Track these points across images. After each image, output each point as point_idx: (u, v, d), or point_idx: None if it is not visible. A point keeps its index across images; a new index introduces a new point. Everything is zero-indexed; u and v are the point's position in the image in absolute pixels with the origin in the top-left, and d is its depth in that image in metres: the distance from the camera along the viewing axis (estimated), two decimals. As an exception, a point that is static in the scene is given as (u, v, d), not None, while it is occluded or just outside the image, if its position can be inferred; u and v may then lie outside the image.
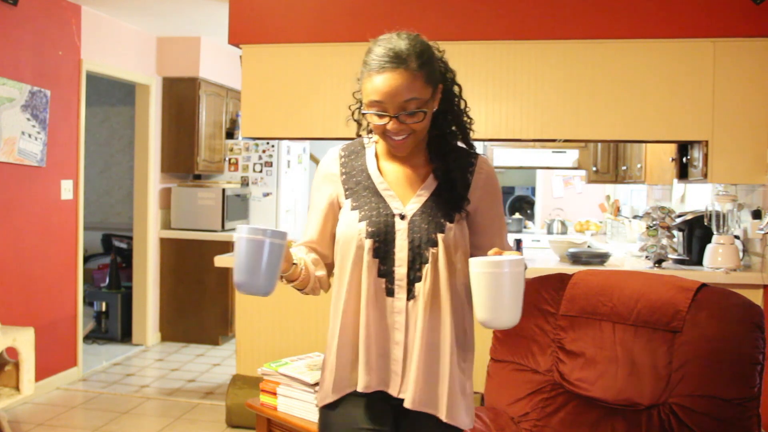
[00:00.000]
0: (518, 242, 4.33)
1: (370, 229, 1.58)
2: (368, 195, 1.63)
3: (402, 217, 1.59)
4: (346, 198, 1.65)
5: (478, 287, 1.41)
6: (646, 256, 3.70)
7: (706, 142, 3.45)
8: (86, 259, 5.81)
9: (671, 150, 4.14)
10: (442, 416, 1.56)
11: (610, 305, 2.34)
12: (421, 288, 1.56)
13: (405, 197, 1.62)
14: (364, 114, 1.65)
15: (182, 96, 5.79)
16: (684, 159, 3.88)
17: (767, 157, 3.36)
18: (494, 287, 1.38)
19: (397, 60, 1.53)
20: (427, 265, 1.57)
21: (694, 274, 3.24)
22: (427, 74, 1.54)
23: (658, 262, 3.63)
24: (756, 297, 3.30)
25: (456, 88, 1.67)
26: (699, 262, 3.62)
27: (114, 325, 5.77)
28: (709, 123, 3.44)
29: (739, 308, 2.19)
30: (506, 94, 3.58)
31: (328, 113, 3.69)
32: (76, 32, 4.72)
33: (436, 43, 1.65)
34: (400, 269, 1.57)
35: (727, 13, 3.39)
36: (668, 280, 2.34)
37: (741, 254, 3.53)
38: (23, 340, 3.66)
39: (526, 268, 1.45)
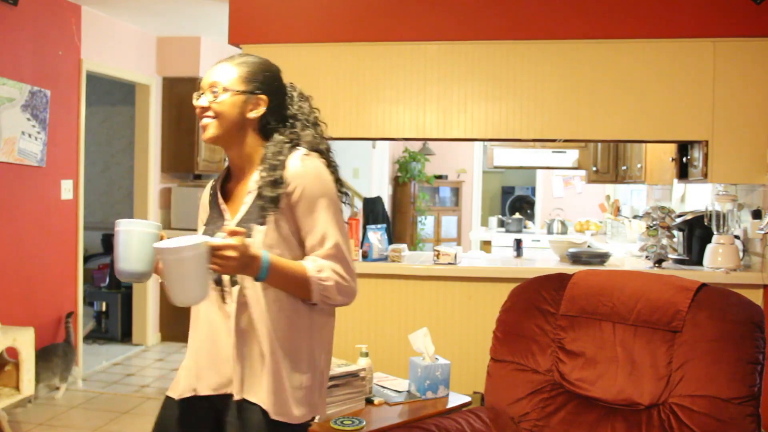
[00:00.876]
0: (518, 242, 4.33)
1: None
2: (213, 211, 1.77)
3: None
4: (204, 217, 1.82)
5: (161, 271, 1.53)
6: (646, 256, 3.70)
7: (706, 142, 3.45)
8: (86, 259, 5.81)
9: (671, 150, 4.14)
10: (270, 410, 1.62)
11: (610, 305, 2.34)
12: (238, 291, 1.65)
13: (235, 206, 1.73)
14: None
15: (182, 96, 5.79)
16: (684, 159, 3.88)
17: (767, 157, 3.36)
18: (165, 271, 1.49)
19: (227, 58, 1.75)
20: None
21: (694, 274, 3.24)
22: (245, 74, 1.71)
23: (658, 262, 3.63)
24: (756, 297, 3.30)
25: (295, 108, 1.83)
26: (699, 262, 3.62)
27: (114, 325, 5.77)
28: (709, 123, 3.44)
29: (739, 308, 2.19)
30: (506, 94, 3.58)
31: (328, 113, 3.63)
32: (76, 32, 4.72)
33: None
34: (225, 276, 1.65)
35: (727, 13, 3.39)
36: (668, 280, 2.34)
37: (741, 254, 3.53)
38: (23, 340, 3.67)
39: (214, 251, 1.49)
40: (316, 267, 1.62)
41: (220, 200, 1.76)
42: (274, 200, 1.63)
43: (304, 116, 1.84)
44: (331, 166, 1.78)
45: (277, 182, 1.64)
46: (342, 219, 1.72)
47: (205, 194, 1.84)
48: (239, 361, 1.65)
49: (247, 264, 1.52)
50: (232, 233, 1.51)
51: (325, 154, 1.79)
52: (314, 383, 1.70)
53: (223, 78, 1.70)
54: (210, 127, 1.70)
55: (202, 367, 1.72)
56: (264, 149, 1.71)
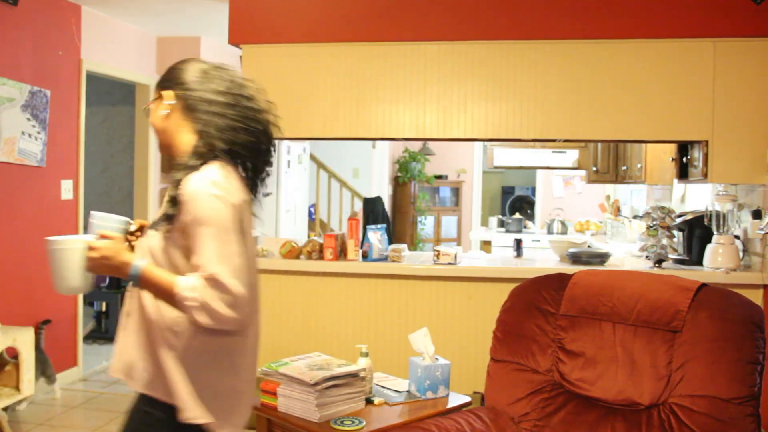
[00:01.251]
0: (518, 242, 4.33)
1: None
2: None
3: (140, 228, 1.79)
4: None
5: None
6: (646, 256, 3.70)
7: (706, 142, 3.45)
8: (86, 259, 5.80)
9: (671, 150, 4.14)
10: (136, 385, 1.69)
11: (610, 305, 2.34)
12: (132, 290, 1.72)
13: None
14: None
15: (182, 96, 5.78)
16: (684, 159, 3.88)
17: (767, 157, 3.36)
18: (50, 262, 1.71)
19: None
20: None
21: (694, 274, 3.24)
22: (159, 82, 1.78)
23: (658, 262, 3.63)
24: (756, 297, 3.30)
25: (206, 104, 1.68)
26: (699, 262, 3.62)
27: (114, 325, 5.76)
28: (709, 123, 3.44)
29: (739, 308, 2.19)
30: (506, 94, 3.58)
31: (328, 113, 3.69)
32: (76, 32, 4.72)
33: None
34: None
35: (727, 13, 3.39)
36: (668, 280, 2.34)
37: (741, 254, 3.53)
38: (23, 340, 3.66)
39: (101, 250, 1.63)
40: (189, 285, 1.53)
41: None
42: (169, 217, 1.61)
43: (216, 110, 1.67)
44: (247, 170, 1.71)
45: (174, 201, 1.60)
46: (233, 239, 1.56)
47: None
48: (131, 353, 1.71)
49: (117, 267, 1.61)
50: (103, 237, 1.63)
51: (230, 160, 1.66)
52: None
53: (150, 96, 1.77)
54: (159, 140, 1.78)
55: (113, 353, 1.78)
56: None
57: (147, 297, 1.64)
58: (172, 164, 1.69)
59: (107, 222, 1.71)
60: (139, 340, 1.68)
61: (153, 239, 1.66)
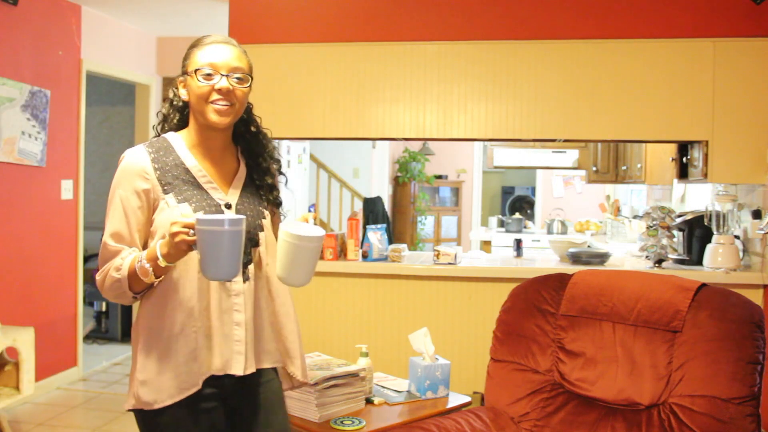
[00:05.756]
0: (518, 242, 4.32)
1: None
2: (190, 188, 1.68)
3: (228, 206, 1.71)
4: (166, 193, 1.66)
5: (281, 251, 1.61)
6: (646, 256, 3.70)
7: (706, 142, 3.45)
8: (86, 259, 5.80)
9: (671, 150, 4.14)
10: (298, 373, 1.80)
11: (610, 305, 2.34)
12: (254, 269, 1.73)
13: (223, 189, 1.74)
14: (176, 92, 1.77)
15: (182, 96, 5.79)
16: (684, 159, 3.88)
17: (767, 157, 3.36)
18: (292, 254, 1.59)
19: (228, 41, 1.74)
20: (257, 249, 1.74)
21: (694, 274, 3.24)
22: (250, 64, 1.76)
23: (658, 262, 3.63)
24: (756, 297, 3.30)
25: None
26: (699, 262, 3.62)
27: (114, 325, 5.77)
28: (709, 123, 3.44)
29: (739, 308, 2.19)
30: (506, 94, 3.58)
31: (328, 113, 3.69)
32: (76, 32, 4.72)
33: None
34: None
35: (727, 13, 3.39)
36: (668, 280, 2.34)
37: (741, 254, 3.53)
38: (23, 340, 3.66)
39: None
40: None
41: (204, 176, 1.71)
42: (273, 188, 1.85)
43: None
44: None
45: (274, 174, 1.90)
46: (114, 208, 1.65)
47: (144, 166, 1.66)
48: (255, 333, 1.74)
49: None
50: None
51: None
52: None
53: (244, 65, 1.72)
54: (228, 112, 1.68)
55: (206, 351, 1.67)
56: (261, 139, 1.84)
57: (274, 278, 1.73)
58: (226, 137, 1.78)
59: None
60: (289, 322, 1.80)
61: (269, 219, 1.81)
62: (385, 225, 4.20)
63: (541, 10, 3.54)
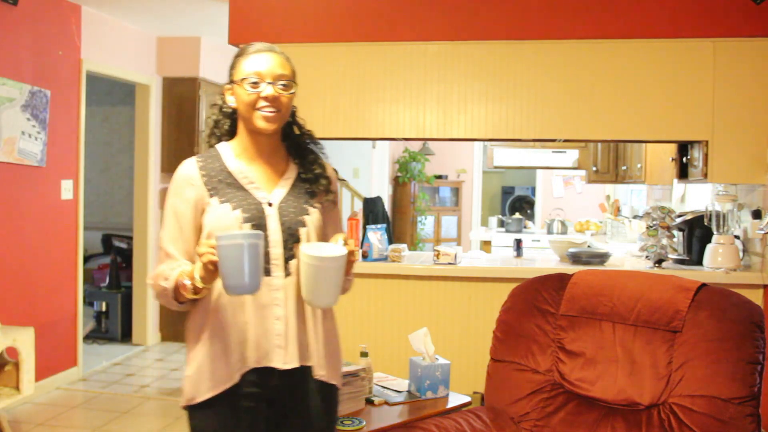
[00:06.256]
0: (518, 242, 4.32)
1: (245, 215, 1.74)
2: (233, 190, 1.78)
3: (270, 204, 1.78)
4: (211, 197, 1.77)
5: (303, 273, 1.64)
6: (646, 256, 3.70)
7: (706, 142, 3.45)
8: (86, 259, 5.81)
9: (671, 150, 4.14)
10: (322, 373, 1.80)
11: (610, 305, 2.34)
12: (296, 264, 1.75)
13: (267, 188, 1.80)
14: (224, 99, 1.85)
15: (182, 96, 5.79)
16: (684, 159, 3.88)
17: (767, 157, 3.36)
18: (315, 276, 1.61)
19: (272, 49, 1.83)
20: (298, 245, 1.76)
21: (694, 274, 3.24)
22: (293, 69, 1.84)
23: (658, 262, 3.63)
24: (756, 297, 3.30)
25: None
26: (699, 262, 3.62)
27: (114, 325, 5.77)
28: (709, 123, 3.44)
29: (739, 308, 2.19)
30: (506, 94, 3.58)
31: (328, 113, 3.69)
32: (76, 32, 4.72)
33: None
34: (275, 249, 1.75)
35: (727, 13, 3.39)
36: (668, 280, 2.34)
37: (741, 254, 3.53)
38: (23, 340, 3.66)
39: (354, 262, 1.73)
40: None
41: (245, 178, 1.80)
42: (314, 193, 1.86)
43: None
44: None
45: (321, 177, 1.90)
46: (167, 215, 1.80)
47: (192, 175, 1.79)
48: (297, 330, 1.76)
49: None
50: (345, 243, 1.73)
51: None
52: None
53: (288, 71, 1.81)
54: (275, 119, 1.76)
55: (244, 346, 1.73)
56: (309, 145, 1.91)
57: None
58: (274, 141, 1.85)
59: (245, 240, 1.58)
60: (324, 320, 1.83)
61: (314, 215, 1.82)
62: (385, 225, 4.20)
63: (541, 10, 3.54)
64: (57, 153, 4.55)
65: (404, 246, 3.86)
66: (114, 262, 5.89)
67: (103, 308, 5.79)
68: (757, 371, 2.09)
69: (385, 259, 3.76)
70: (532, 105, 3.56)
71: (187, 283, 1.65)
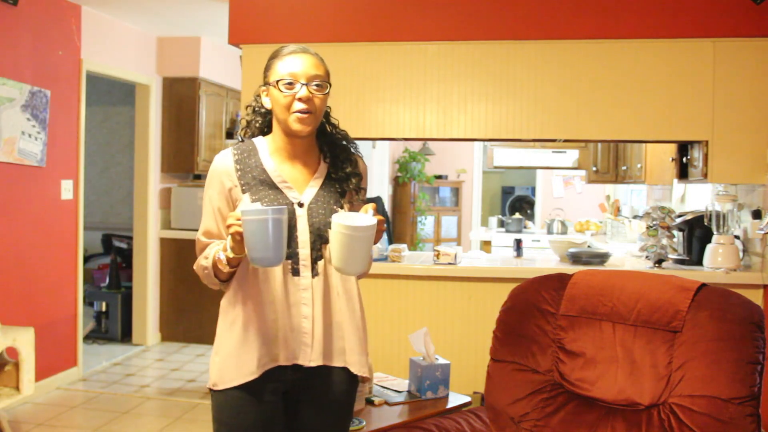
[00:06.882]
0: (518, 242, 4.33)
1: None
2: (265, 188, 1.81)
3: (300, 204, 1.81)
4: (243, 192, 1.81)
5: (335, 242, 1.66)
6: (646, 256, 3.70)
7: (706, 142, 3.45)
8: (86, 259, 5.81)
9: (671, 150, 4.14)
10: (353, 368, 1.84)
11: (610, 305, 2.34)
12: (324, 265, 1.80)
13: (299, 188, 1.83)
14: (259, 100, 1.92)
15: (182, 96, 5.79)
16: (684, 159, 3.88)
17: (767, 157, 3.36)
18: (346, 245, 1.64)
19: (306, 50, 1.86)
20: (327, 245, 1.79)
21: (694, 274, 3.24)
22: (327, 69, 1.88)
23: (658, 262, 3.63)
24: (756, 297, 3.31)
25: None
26: (699, 262, 3.62)
27: (114, 325, 5.77)
28: (709, 123, 3.44)
29: (739, 308, 2.19)
30: (506, 94, 3.58)
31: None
32: (76, 32, 4.72)
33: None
34: (304, 250, 1.78)
35: (727, 13, 3.39)
36: (668, 280, 2.34)
37: (741, 254, 3.53)
38: (23, 340, 3.66)
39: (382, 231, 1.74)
40: None
41: (279, 177, 1.82)
42: (359, 187, 1.91)
43: None
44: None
45: (353, 173, 1.92)
46: (205, 206, 1.86)
47: (227, 167, 1.84)
48: (322, 328, 1.80)
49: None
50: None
51: None
52: None
53: (322, 72, 1.84)
54: (310, 120, 1.79)
55: (271, 342, 1.78)
56: (341, 142, 1.93)
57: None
58: (308, 141, 1.87)
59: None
60: (353, 318, 1.89)
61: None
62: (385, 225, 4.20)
63: (541, 10, 3.54)
64: (57, 153, 4.55)
65: (404, 246, 3.87)
66: (114, 262, 5.89)
67: (103, 308, 5.79)
68: (757, 371, 2.09)
69: (385, 259, 3.76)
70: (532, 105, 3.56)
71: (221, 256, 1.72)
